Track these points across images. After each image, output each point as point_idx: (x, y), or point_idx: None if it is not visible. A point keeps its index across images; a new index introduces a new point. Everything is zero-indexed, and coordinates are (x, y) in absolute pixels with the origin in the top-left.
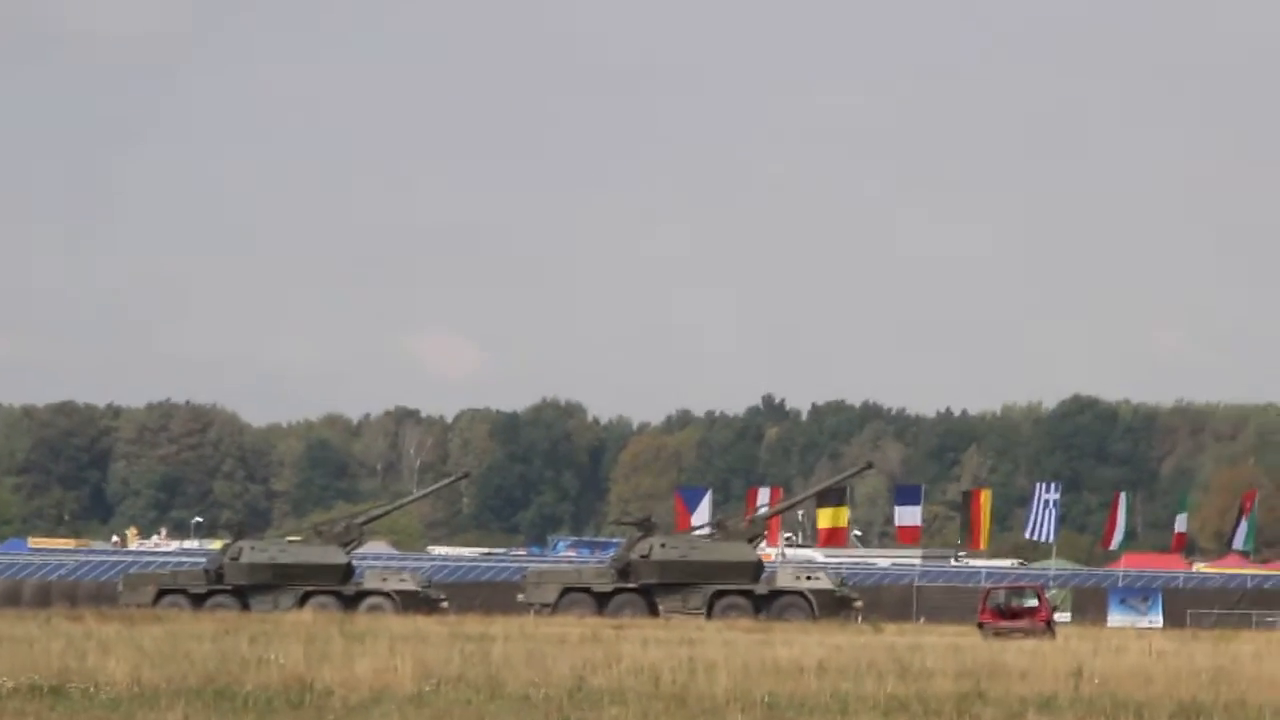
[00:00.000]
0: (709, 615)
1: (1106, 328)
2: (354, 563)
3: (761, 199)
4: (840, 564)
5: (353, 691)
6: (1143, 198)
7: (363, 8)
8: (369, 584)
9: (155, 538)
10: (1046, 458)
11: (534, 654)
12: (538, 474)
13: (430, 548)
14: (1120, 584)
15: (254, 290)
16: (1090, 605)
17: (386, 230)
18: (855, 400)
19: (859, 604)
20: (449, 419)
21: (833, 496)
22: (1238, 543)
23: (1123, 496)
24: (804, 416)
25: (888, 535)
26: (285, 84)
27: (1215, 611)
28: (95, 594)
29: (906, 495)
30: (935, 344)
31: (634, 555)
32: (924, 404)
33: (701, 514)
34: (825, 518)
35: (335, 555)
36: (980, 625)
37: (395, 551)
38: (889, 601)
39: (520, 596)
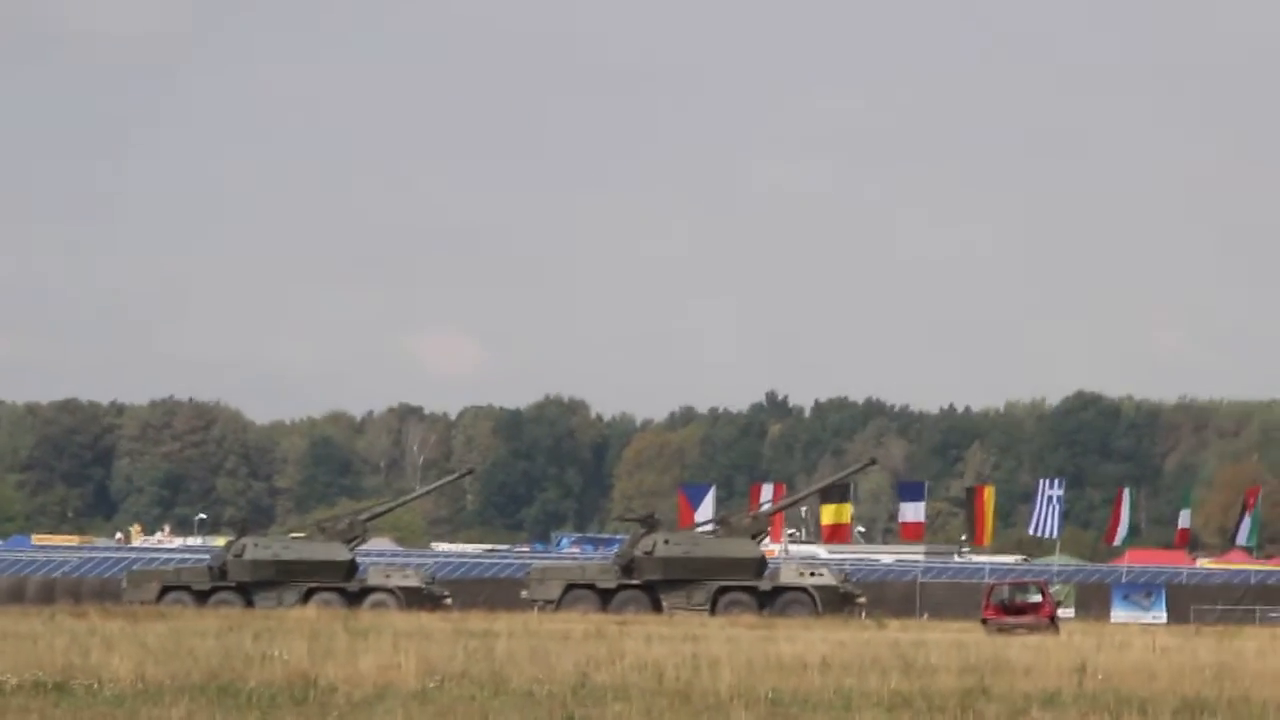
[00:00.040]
0: (712, 611)
1: (1109, 325)
2: (358, 559)
3: (765, 197)
4: (844, 560)
5: (356, 688)
6: (1143, 198)
7: (363, 8)
8: (373, 580)
9: (159, 534)
10: (1050, 454)
11: (538, 650)
12: (541, 471)
13: (434, 544)
14: (1124, 580)
15: (256, 288)
16: (1094, 601)
17: (388, 229)
18: (858, 397)
19: (862, 600)
20: (452, 416)
21: (836, 493)
22: (1241, 539)
23: (1126, 492)
24: (807, 413)
25: (891, 531)
26: (285, 84)
27: (1219, 607)
28: (99, 591)
29: (910, 491)
30: (938, 340)
31: (638, 552)
32: (927, 400)
33: (705, 510)
34: (829, 514)
35: (339, 552)
36: (984, 621)
37: (399, 548)
38: (892, 598)
39: (524, 593)
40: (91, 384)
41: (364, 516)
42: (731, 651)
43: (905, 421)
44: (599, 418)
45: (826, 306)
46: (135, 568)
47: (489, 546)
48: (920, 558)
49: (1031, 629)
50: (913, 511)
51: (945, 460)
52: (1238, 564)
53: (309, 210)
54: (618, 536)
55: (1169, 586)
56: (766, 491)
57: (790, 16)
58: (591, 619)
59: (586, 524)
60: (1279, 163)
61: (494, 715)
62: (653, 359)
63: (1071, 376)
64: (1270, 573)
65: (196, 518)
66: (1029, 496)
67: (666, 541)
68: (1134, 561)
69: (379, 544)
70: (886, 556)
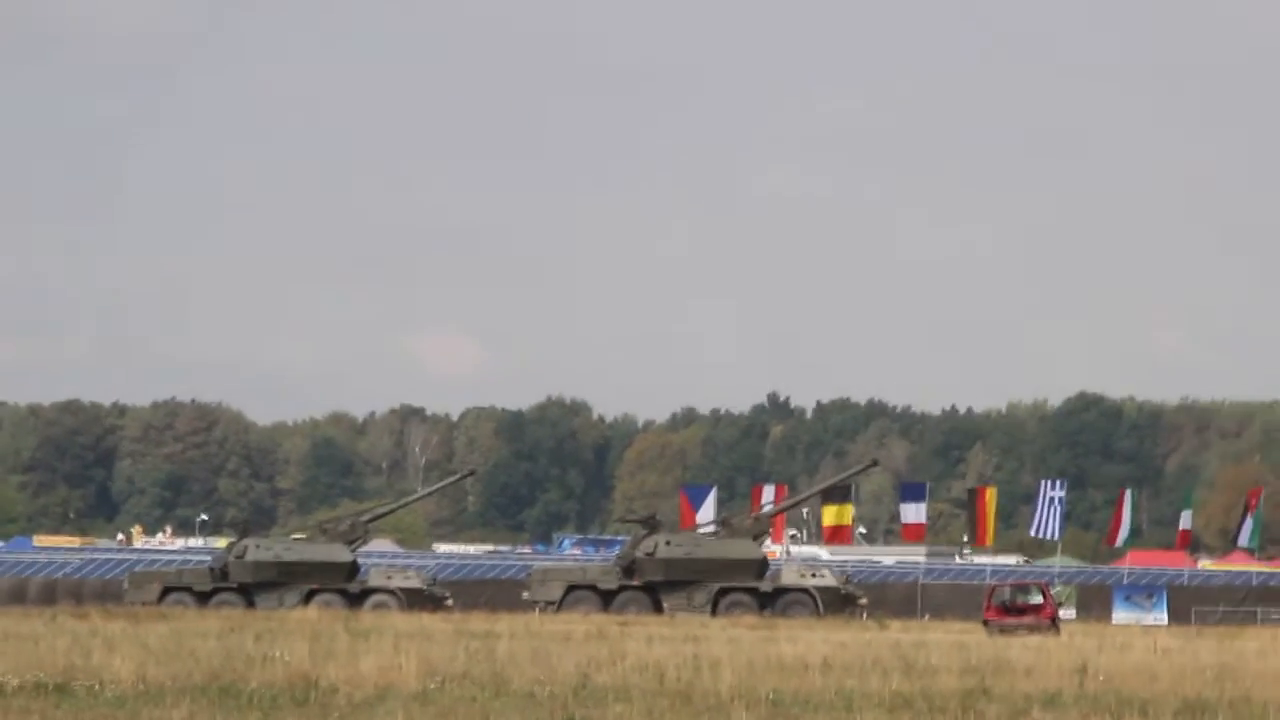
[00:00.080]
0: (714, 612)
1: (1110, 326)
2: (359, 560)
3: (766, 199)
4: (845, 561)
5: (358, 689)
6: (1143, 198)
7: (363, 8)
8: (374, 582)
9: (160, 536)
10: (1052, 455)
11: (539, 651)
12: (543, 472)
13: (435, 545)
14: (1125, 581)
15: (256, 289)
16: (1095, 602)
17: (388, 229)
18: (860, 398)
19: (864, 601)
20: (454, 417)
21: (837, 494)
22: (1243, 540)
23: (1128, 494)
24: (809, 414)
25: (892, 533)
26: (285, 84)
27: (1220, 608)
28: (100, 592)
29: (911, 493)
30: (940, 341)
31: (639, 553)
32: (929, 402)
33: (706, 512)
34: (830, 515)
35: (340, 553)
36: (985, 622)
37: (400, 549)
38: (894, 599)
39: (525, 594)
40: (93, 385)
41: (365, 518)
42: (733, 652)
43: (907, 423)
44: (600, 419)
45: (828, 307)
46: (137, 569)
47: (490, 548)
48: (921, 559)
49: (1033, 630)
50: (914, 512)
51: (947, 461)
52: (1239, 565)
53: (309, 210)
54: (619, 538)
55: (1170, 588)
56: (768, 493)
57: (790, 17)
58: (593, 620)
59: (588, 525)
60: (1279, 163)
61: (495, 716)
62: (654, 360)
63: (1073, 378)
64: (1272, 574)
65: (198, 519)
66: (1030, 498)
67: (668, 543)
68: (1135, 563)
69: (380, 545)
70: (888, 558)
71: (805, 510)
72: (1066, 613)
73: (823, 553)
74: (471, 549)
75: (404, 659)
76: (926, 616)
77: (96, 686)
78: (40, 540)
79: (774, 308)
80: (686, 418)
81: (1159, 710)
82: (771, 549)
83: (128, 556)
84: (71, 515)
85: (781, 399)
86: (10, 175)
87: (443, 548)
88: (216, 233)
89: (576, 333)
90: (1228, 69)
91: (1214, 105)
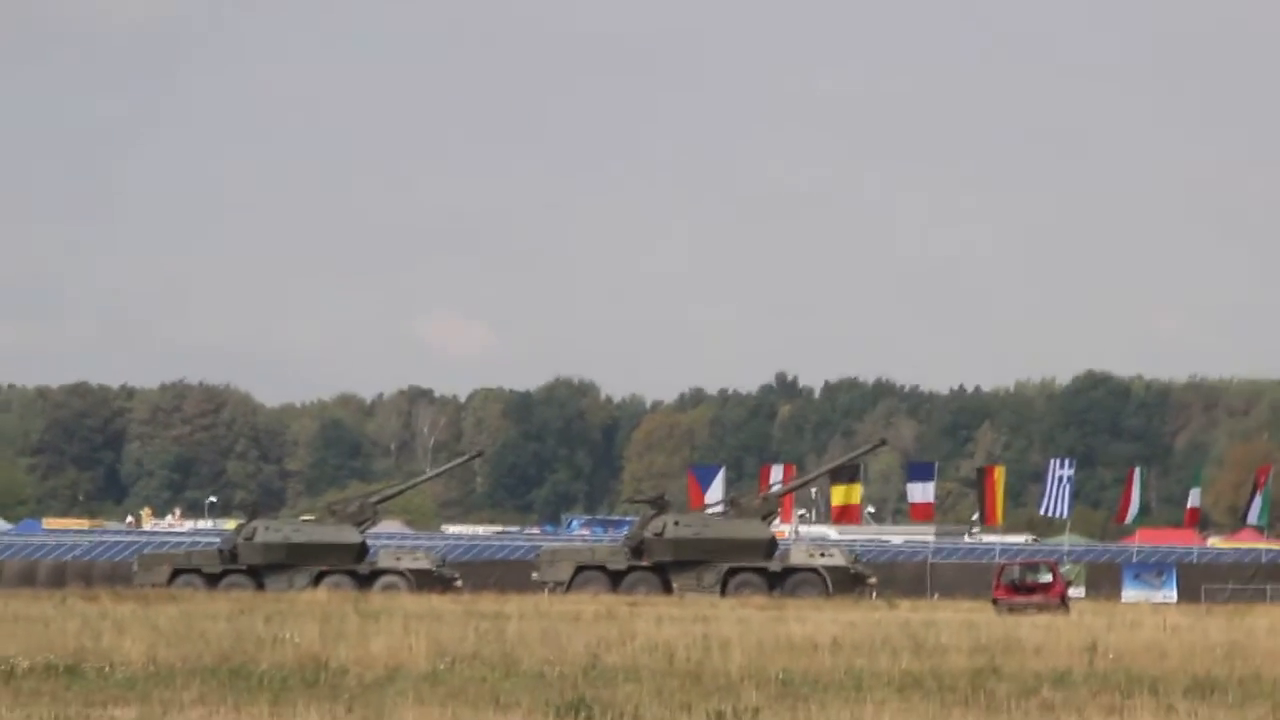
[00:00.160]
0: (723, 593)
1: (1116, 308)
2: (368, 542)
3: (772, 179)
4: (854, 541)
5: (368, 670)
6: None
7: (363, 8)
8: (383, 563)
9: (169, 518)
10: (1060, 434)
11: (548, 632)
12: (551, 452)
13: (444, 527)
14: (1134, 559)
15: (260, 279)
16: (1104, 580)
17: (391, 222)
18: (868, 378)
19: (873, 581)
20: (462, 398)
21: (846, 473)
22: (1252, 517)
23: (1137, 472)
24: (817, 394)
25: (901, 512)
26: (285, 84)
27: (1230, 586)
28: (110, 574)
29: (920, 472)
30: (948, 321)
31: (648, 533)
32: (937, 381)
33: (715, 492)
34: (839, 495)
35: (349, 534)
36: (994, 601)
37: (409, 530)
38: (903, 578)
39: (534, 575)
40: (101, 368)
41: (374, 499)
42: (742, 632)
43: (915, 402)
44: (608, 400)
45: (835, 287)
46: (146, 551)
47: (499, 528)
48: (930, 538)
49: (1042, 609)
50: (922, 492)
51: (955, 440)
52: (1248, 543)
53: (309, 210)
54: (628, 518)
55: (1180, 566)
56: (776, 473)
57: (790, 17)
58: (602, 600)
59: (596, 506)
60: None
61: (505, 696)
62: (662, 341)
63: (1081, 356)
64: None
65: (207, 501)
66: (1039, 476)
67: (676, 523)
68: (1144, 541)
69: (389, 526)
70: (897, 537)
71: (814, 490)
72: (1076, 591)
73: (831, 532)
74: (480, 530)
75: (414, 640)
76: (936, 596)
77: (107, 668)
78: (49, 523)
79: (781, 288)
80: (694, 398)
81: (1169, 688)
82: (780, 529)
83: (137, 539)
84: (80, 498)
85: (789, 379)
86: (10, 175)
87: (451, 529)
88: (216, 232)
89: (584, 314)
90: (1228, 69)
91: (1214, 105)
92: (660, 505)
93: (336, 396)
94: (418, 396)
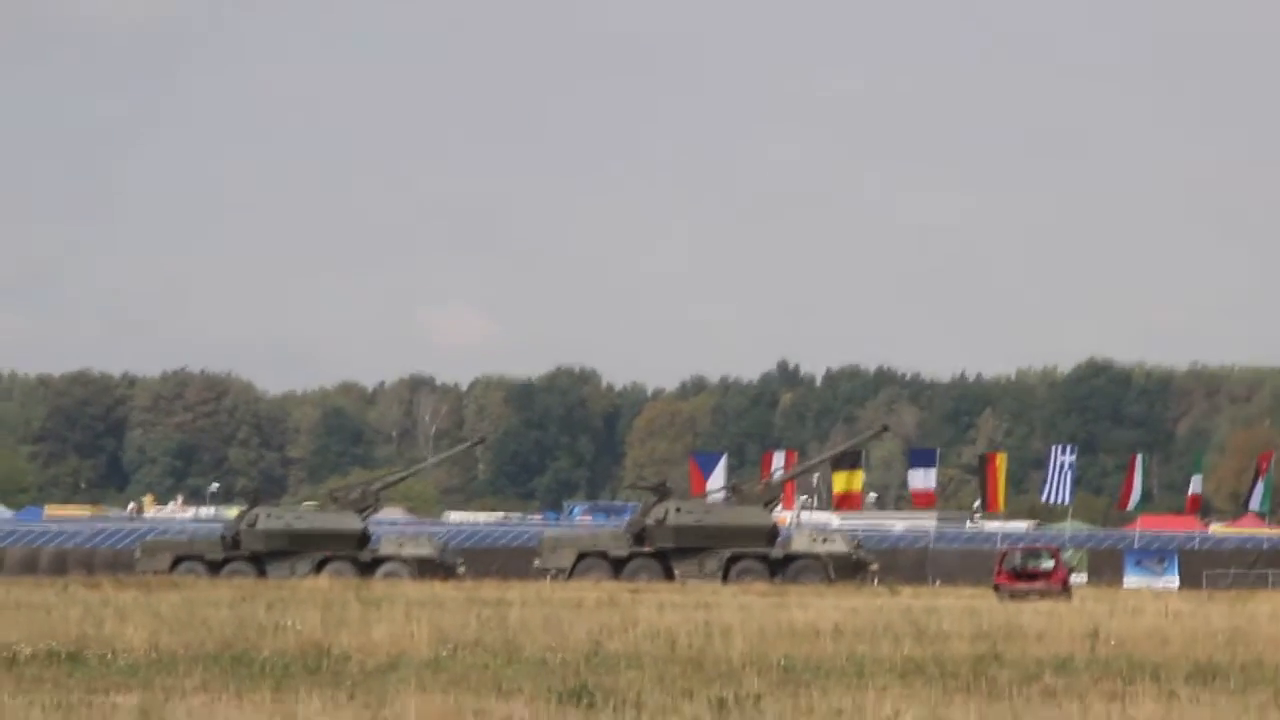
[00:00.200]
0: (725, 579)
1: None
2: (370, 529)
3: (775, 166)
4: (856, 527)
5: (370, 657)
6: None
7: (363, 8)
8: (385, 550)
9: (171, 505)
10: (1062, 420)
11: (550, 619)
12: (553, 440)
13: (446, 514)
14: (1136, 546)
15: (262, 274)
16: (1106, 567)
17: (391, 217)
18: (870, 365)
19: (875, 567)
20: (464, 386)
21: (848, 460)
22: (1254, 504)
23: (1139, 458)
24: (819, 381)
25: (903, 499)
26: (285, 84)
27: (1231, 572)
28: (112, 561)
29: (921, 459)
30: (949, 308)
31: (650, 520)
32: (939, 368)
33: (716, 479)
34: (840, 481)
35: (351, 521)
36: (996, 587)
37: (411, 517)
38: (904, 564)
39: (536, 562)
40: (103, 356)
41: (376, 486)
42: (744, 619)
43: (917, 389)
44: (610, 387)
45: (837, 274)
46: (148, 538)
47: (501, 515)
48: (932, 525)
49: (1044, 595)
50: (924, 478)
51: (957, 427)
52: (1250, 529)
53: (310, 208)
54: (629, 505)
55: (1181, 552)
56: (778, 459)
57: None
58: (604, 587)
59: (598, 493)
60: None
61: (507, 683)
62: (663, 329)
63: (1083, 343)
64: None
65: (209, 488)
66: (1041, 463)
67: (678, 510)
68: (1146, 527)
69: (391, 514)
70: (898, 524)
71: (815, 477)
72: (1077, 577)
73: (833, 519)
74: (482, 517)
75: (416, 627)
76: (937, 582)
77: (109, 655)
78: (51, 510)
79: (783, 275)
80: (696, 385)
81: (1170, 674)
82: (782, 515)
83: (139, 526)
84: (82, 485)
85: (791, 366)
86: (10, 175)
87: (453, 516)
88: (216, 232)
89: (585, 302)
90: (1228, 69)
91: (1214, 105)
92: (662, 492)
93: (338, 384)
94: (419, 384)
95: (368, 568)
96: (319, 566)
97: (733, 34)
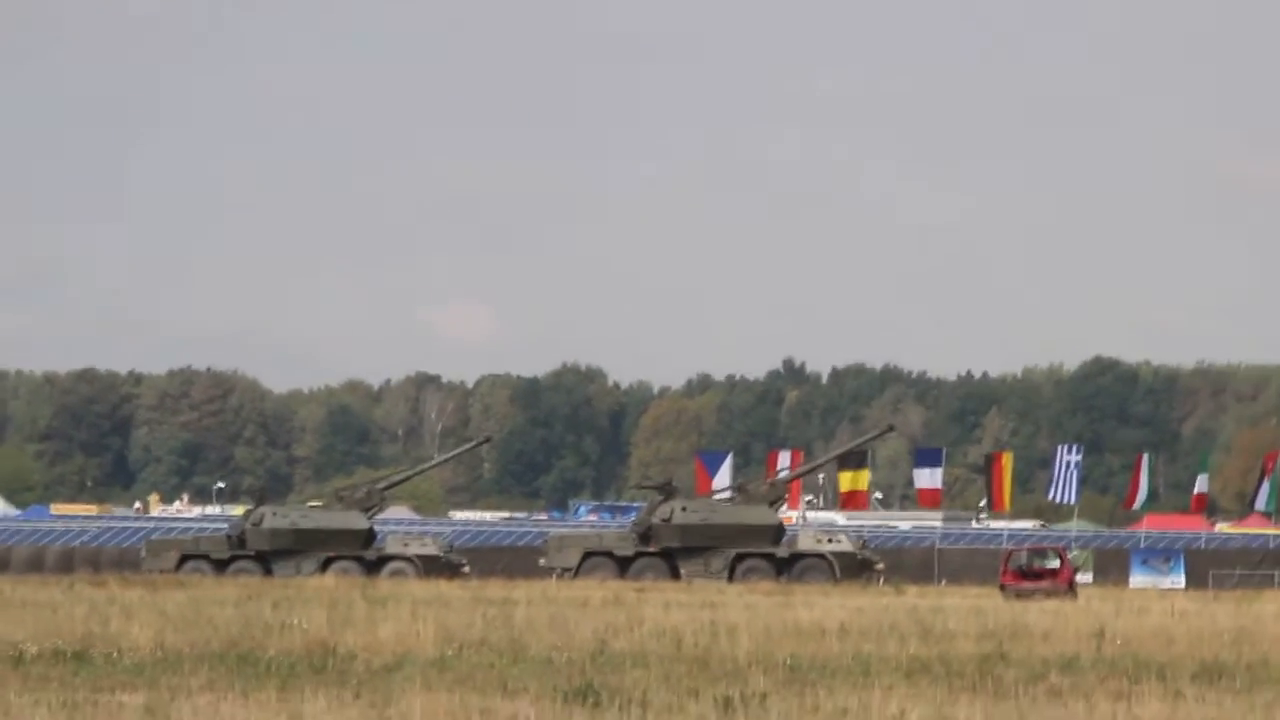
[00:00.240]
0: (730, 578)
1: (1123, 295)
2: (376, 528)
3: (781, 164)
4: (861, 527)
5: (375, 655)
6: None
7: (363, 8)
8: (391, 549)
9: (177, 504)
10: (1068, 420)
11: (556, 618)
12: (559, 438)
13: (452, 513)
14: (1142, 545)
15: (265, 272)
16: (1112, 566)
17: (396, 208)
18: (876, 363)
19: (880, 566)
20: (470, 384)
21: (853, 459)
22: (1260, 503)
23: (1145, 458)
24: (824, 380)
25: (909, 498)
26: (285, 84)
27: (1237, 572)
28: (118, 560)
29: (927, 458)
30: (955, 307)
31: (655, 519)
32: (945, 367)
33: (722, 477)
34: (846, 481)
35: (357, 520)
36: (1002, 587)
37: (417, 516)
38: (910, 564)
39: (542, 561)
40: (109, 354)
41: (382, 485)
42: (749, 618)
43: (923, 388)
44: (616, 386)
45: (843, 273)
46: (154, 537)
47: (507, 514)
48: (938, 524)
49: (1049, 594)
50: (930, 478)
51: (963, 426)
52: (1256, 528)
53: (310, 207)
54: (635, 504)
55: (1187, 551)
56: (784, 458)
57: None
58: (609, 586)
59: (604, 491)
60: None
61: (513, 682)
62: (669, 327)
63: (1089, 342)
64: None
65: (215, 487)
66: (1047, 462)
67: (684, 509)
68: (1152, 527)
69: (397, 512)
70: (904, 523)
71: (821, 476)
72: (1083, 577)
73: (839, 518)
74: (488, 516)
75: (421, 626)
76: (943, 581)
77: (115, 654)
78: (57, 509)
79: (789, 273)
80: (702, 384)
81: (1176, 674)
82: (788, 514)
83: (145, 524)
84: (88, 484)
85: (797, 365)
86: (10, 175)
87: (459, 515)
88: (216, 233)
89: (591, 300)
90: (1228, 69)
91: (1214, 105)
92: (668, 491)
93: (344, 382)
94: (425, 383)
95: (373, 566)
96: (324, 565)
97: (733, 34)
